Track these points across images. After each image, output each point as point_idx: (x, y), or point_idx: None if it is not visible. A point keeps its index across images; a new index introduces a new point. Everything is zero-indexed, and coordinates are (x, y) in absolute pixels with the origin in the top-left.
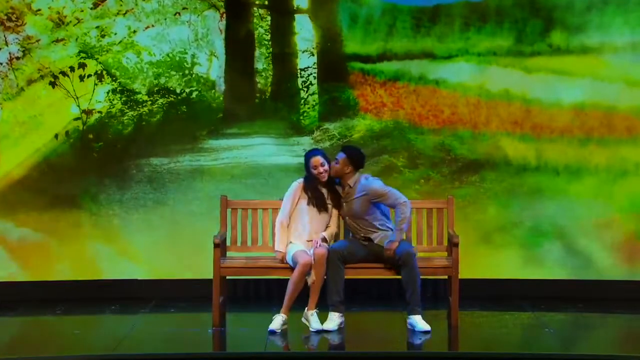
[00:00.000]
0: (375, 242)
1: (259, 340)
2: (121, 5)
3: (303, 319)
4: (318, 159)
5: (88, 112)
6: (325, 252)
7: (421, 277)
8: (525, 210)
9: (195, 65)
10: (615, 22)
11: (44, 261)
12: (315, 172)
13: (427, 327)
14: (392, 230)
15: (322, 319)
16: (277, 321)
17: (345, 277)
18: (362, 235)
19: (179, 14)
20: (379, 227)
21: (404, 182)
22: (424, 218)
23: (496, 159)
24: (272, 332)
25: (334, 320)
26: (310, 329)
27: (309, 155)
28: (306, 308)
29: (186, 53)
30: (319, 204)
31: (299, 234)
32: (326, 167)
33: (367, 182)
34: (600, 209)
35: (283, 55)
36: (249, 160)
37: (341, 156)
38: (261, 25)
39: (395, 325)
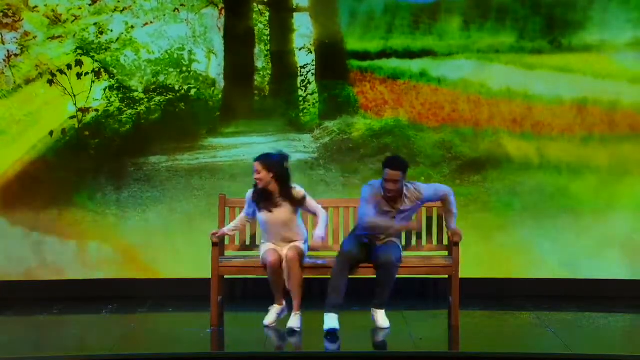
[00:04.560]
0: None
1: (257, 339)
2: (119, 1)
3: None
4: (254, 165)
5: (85, 110)
6: (296, 255)
7: (419, 276)
8: (527, 208)
9: (194, 62)
10: (617, 19)
11: (40, 260)
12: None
13: (387, 324)
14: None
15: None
16: (272, 312)
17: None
18: (383, 238)
19: (178, 10)
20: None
21: None
22: (424, 217)
23: (497, 157)
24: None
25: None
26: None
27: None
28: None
29: (184, 50)
30: (267, 205)
31: (267, 238)
32: (260, 175)
33: (416, 190)
34: (602, 207)
35: (282, 53)
36: (247, 158)
37: (396, 173)
38: (260, 21)
39: (395, 324)
